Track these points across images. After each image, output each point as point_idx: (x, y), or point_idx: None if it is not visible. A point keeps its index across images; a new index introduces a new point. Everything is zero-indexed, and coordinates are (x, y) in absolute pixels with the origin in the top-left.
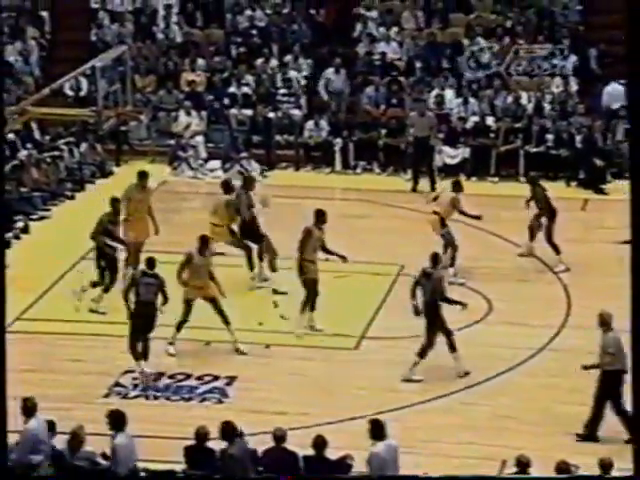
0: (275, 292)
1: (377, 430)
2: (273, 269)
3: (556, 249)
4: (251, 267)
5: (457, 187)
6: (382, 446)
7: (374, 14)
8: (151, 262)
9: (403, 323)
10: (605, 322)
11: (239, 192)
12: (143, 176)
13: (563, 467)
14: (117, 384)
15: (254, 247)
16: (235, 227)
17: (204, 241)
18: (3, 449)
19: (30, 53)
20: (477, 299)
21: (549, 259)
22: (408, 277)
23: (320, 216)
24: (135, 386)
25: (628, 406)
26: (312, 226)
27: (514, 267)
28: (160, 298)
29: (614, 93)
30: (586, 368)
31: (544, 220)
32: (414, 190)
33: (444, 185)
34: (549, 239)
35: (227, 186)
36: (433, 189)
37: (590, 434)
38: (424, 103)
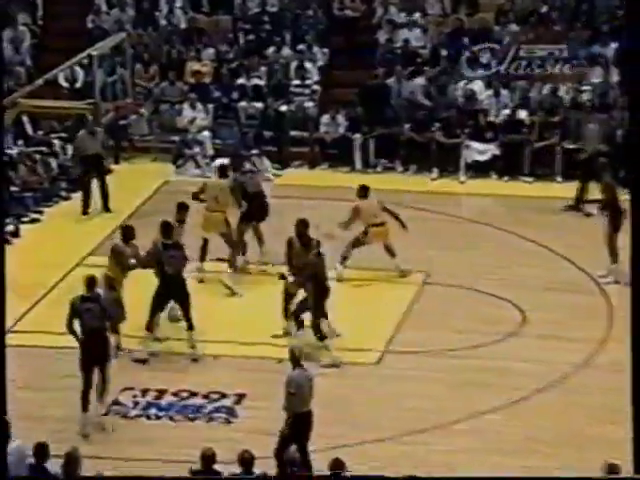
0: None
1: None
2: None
3: (614, 255)
4: (233, 266)
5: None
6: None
7: None
8: (91, 283)
9: (429, 336)
10: (294, 359)
11: (238, 176)
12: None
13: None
14: (115, 402)
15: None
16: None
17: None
18: (3, 450)
19: (21, 41)
20: (510, 309)
21: (597, 264)
22: (433, 285)
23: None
24: (135, 404)
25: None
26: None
27: (550, 274)
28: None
29: None
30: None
31: (606, 218)
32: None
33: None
34: (610, 241)
35: (223, 170)
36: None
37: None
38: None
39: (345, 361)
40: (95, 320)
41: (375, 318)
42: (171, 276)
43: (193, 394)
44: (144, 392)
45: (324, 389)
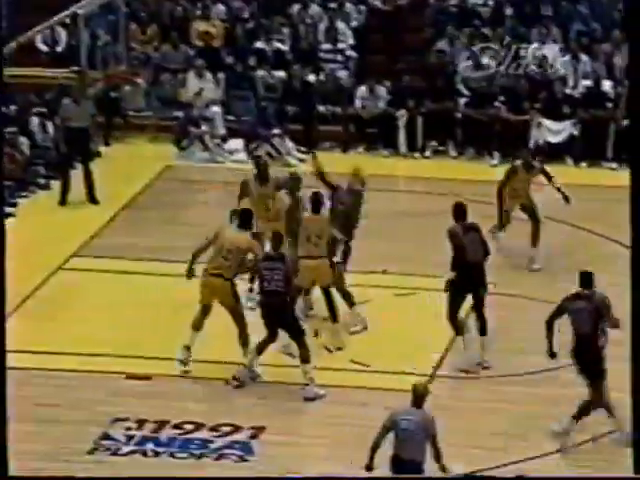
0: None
1: None
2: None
3: None
4: None
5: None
6: None
7: None
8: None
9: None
10: (415, 395)
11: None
12: None
13: None
14: (105, 436)
15: None
16: None
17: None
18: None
19: None
20: None
21: None
22: (497, 296)
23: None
24: (129, 438)
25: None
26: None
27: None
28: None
29: None
30: None
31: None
32: None
33: None
34: None
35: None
36: None
37: None
38: None
39: (385, 387)
40: None
41: (420, 335)
42: (269, 292)
43: (199, 426)
44: (140, 424)
45: (361, 422)
